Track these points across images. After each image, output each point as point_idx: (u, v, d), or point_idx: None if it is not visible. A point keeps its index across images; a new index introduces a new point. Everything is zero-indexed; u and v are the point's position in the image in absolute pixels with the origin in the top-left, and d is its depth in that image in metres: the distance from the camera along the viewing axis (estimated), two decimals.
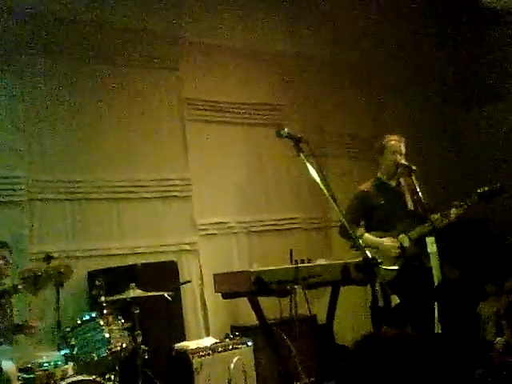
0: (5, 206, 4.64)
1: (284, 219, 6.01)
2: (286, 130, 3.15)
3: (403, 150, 4.42)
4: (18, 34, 4.86)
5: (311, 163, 3.04)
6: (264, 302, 3.31)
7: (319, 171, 3.03)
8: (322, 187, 2.95)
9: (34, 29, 4.93)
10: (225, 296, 3.12)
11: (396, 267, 4.11)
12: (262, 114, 6.07)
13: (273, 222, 5.96)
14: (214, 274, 3.04)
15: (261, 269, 2.93)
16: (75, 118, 5.05)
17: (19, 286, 2.28)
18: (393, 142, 4.44)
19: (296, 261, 3.16)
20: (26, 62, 4.89)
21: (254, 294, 3.00)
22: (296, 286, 3.10)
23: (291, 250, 5.38)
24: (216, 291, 3.06)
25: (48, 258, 2.41)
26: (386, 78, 6.80)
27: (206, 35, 5.78)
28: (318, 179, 2.97)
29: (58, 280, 2.42)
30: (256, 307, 3.04)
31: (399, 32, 6.85)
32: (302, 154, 3.06)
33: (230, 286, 3.00)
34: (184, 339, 4.88)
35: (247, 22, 6.05)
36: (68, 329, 3.84)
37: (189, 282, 4.82)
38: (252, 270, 2.91)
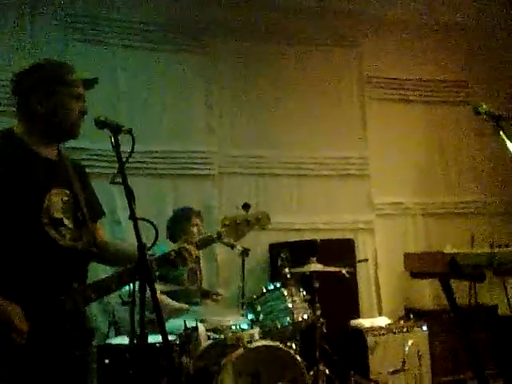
0: (198, 179, 5.01)
1: (464, 202, 5.74)
2: (484, 106, 2.98)
3: None
4: (213, 18, 5.15)
5: None
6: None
7: None
8: None
9: (226, 14, 5.19)
10: (414, 275, 3.07)
11: None
12: (444, 91, 5.81)
13: (452, 205, 5.72)
14: (405, 253, 3.00)
15: (456, 251, 2.83)
16: (260, 98, 5.27)
17: (223, 233, 2.47)
18: None
19: (492, 245, 3.00)
20: (219, 45, 5.19)
21: (447, 276, 2.92)
22: (488, 272, 2.95)
23: (473, 236, 5.13)
24: (405, 269, 3.03)
25: (246, 206, 2.57)
26: None
27: (387, 9, 5.63)
28: None
29: (258, 226, 2.53)
30: (447, 289, 2.96)
31: None
32: (501, 133, 2.88)
33: (421, 265, 2.95)
34: (358, 316, 4.94)
35: None
36: (254, 296, 4.03)
37: (366, 260, 4.84)
38: (446, 251, 2.82)
